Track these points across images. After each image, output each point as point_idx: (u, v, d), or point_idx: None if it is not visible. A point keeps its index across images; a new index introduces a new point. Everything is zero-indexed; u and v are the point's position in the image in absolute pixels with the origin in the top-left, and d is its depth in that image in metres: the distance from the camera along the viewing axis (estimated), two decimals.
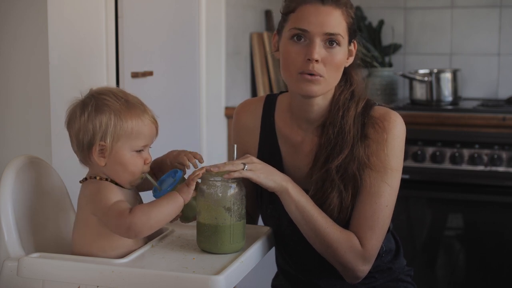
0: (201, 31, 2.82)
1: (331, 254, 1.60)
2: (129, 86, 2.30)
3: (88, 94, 1.49)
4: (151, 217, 1.40)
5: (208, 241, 1.50)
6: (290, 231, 1.65)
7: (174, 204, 1.44)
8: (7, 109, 2.01)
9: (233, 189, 1.50)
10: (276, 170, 1.58)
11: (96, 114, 1.43)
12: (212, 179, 1.49)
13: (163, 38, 2.57)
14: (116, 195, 1.44)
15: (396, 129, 1.61)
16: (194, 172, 1.49)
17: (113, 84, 2.21)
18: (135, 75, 2.32)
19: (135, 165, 1.47)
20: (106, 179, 1.46)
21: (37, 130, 1.97)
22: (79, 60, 2.08)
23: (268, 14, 3.39)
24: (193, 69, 2.80)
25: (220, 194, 1.49)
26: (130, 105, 1.46)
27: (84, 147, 1.45)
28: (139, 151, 1.47)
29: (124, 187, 1.49)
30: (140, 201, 1.53)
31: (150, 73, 2.43)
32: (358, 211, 1.61)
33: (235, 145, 1.59)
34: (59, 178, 1.64)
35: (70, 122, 1.47)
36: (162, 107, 2.57)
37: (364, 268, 1.61)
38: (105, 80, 2.18)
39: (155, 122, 1.50)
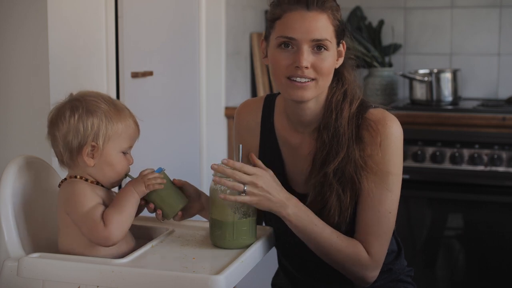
0: (201, 31, 2.82)
1: (339, 267, 1.62)
2: (129, 86, 2.30)
3: (75, 97, 1.52)
4: (123, 223, 1.45)
5: (214, 235, 1.54)
6: (291, 233, 1.64)
7: (134, 202, 1.49)
8: (7, 109, 2.00)
9: None
10: (279, 197, 1.54)
11: (88, 115, 1.47)
12: (220, 175, 1.51)
13: (163, 38, 2.57)
14: (90, 199, 1.45)
15: (392, 134, 1.60)
16: (156, 178, 1.51)
17: (113, 84, 2.21)
18: (135, 75, 2.32)
19: (122, 166, 1.52)
20: (86, 180, 1.49)
21: (37, 130, 1.97)
22: (79, 60, 2.08)
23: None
24: (193, 69, 2.80)
25: (225, 191, 1.51)
26: (118, 108, 1.52)
27: (73, 148, 1.48)
28: (125, 153, 1.52)
29: (104, 187, 1.52)
30: (113, 196, 1.55)
31: (150, 73, 2.43)
32: (362, 220, 1.61)
33: (240, 146, 1.59)
34: (59, 178, 1.63)
35: (57, 124, 1.49)
36: (162, 107, 2.57)
37: (373, 274, 1.63)
38: (105, 80, 2.18)
39: (138, 125, 1.56)
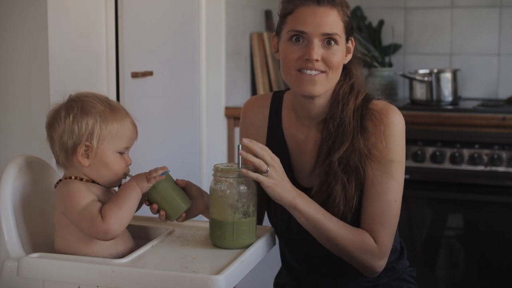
0: (201, 31, 2.82)
1: (347, 257, 1.64)
2: (129, 86, 2.30)
3: (71, 97, 1.53)
4: (123, 217, 1.45)
5: (214, 235, 1.54)
6: (298, 230, 1.66)
7: (136, 197, 1.48)
8: (7, 109, 2.00)
9: (239, 187, 1.52)
10: (289, 187, 1.57)
11: (82, 116, 1.48)
12: (220, 175, 1.51)
13: (163, 38, 2.57)
14: (85, 197, 1.45)
15: (395, 124, 1.63)
16: (157, 170, 1.52)
17: (113, 84, 2.21)
18: (135, 75, 2.32)
19: (118, 166, 1.51)
20: (81, 179, 1.49)
21: (37, 130, 1.97)
22: (79, 60, 2.08)
23: (268, 14, 3.39)
24: (193, 69, 2.80)
25: (225, 191, 1.52)
26: (114, 108, 1.51)
27: (68, 149, 1.48)
28: (121, 153, 1.52)
29: (101, 185, 1.52)
30: (112, 194, 1.55)
31: (150, 73, 2.43)
32: (368, 209, 1.64)
33: (240, 145, 1.59)
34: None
35: (53, 125, 1.50)
36: (162, 107, 2.57)
37: (381, 264, 1.65)
38: (105, 80, 2.18)
39: (135, 126, 1.55)
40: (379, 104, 1.66)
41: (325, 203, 1.62)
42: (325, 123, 1.67)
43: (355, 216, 1.65)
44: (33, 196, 1.57)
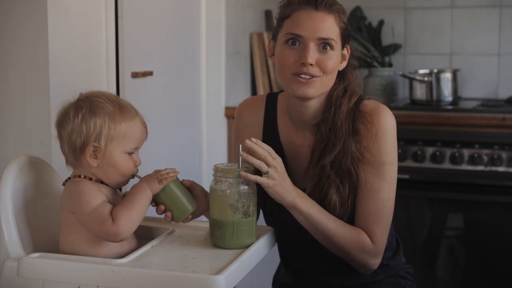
0: (201, 31, 2.82)
1: (343, 255, 1.66)
2: (129, 86, 2.30)
3: (81, 97, 1.52)
4: (133, 219, 1.45)
5: (214, 235, 1.54)
6: (295, 229, 1.67)
7: (146, 198, 1.48)
8: (7, 109, 2.00)
9: (239, 187, 1.52)
10: (290, 186, 1.58)
11: (91, 116, 1.47)
12: (220, 175, 1.51)
13: (163, 38, 2.57)
14: (96, 197, 1.45)
15: (386, 124, 1.64)
16: (168, 172, 1.52)
17: (113, 84, 2.21)
18: (135, 75, 2.32)
19: (127, 167, 1.50)
20: (91, 179, 1.48)
21: (37, 130, 1.97)
22: (79, 60, 2.08)
23: (268, 14, 3.39)
24: (193, 69, 2.80)
25: (225, 191, 1.52)
26: (123, 108, 1.51)
27: (76, 148, 1.48)
28: (130, 153, 1.51)
29: (110, 187, 1.51)
30: (119, 195, 1.55)
31: (150, 73, 2.43)
32: (362, 209, 1.65)
33: (240, 146, 1.59)
34: (59, 178, 1.64)
35: (62, 124, 1.49)
36: (162, 107, 2.57)
37: (376, 261, 1.68)
38: (105, 80, 2.18)
39: (145, 126, 1.54)
40: (369, 104, 1.67)
41: (321, 205, 1.63)
42: (318, 127, 1.68)
43: (351, 217, 1.67)
44: (33, 196, 1.57)
